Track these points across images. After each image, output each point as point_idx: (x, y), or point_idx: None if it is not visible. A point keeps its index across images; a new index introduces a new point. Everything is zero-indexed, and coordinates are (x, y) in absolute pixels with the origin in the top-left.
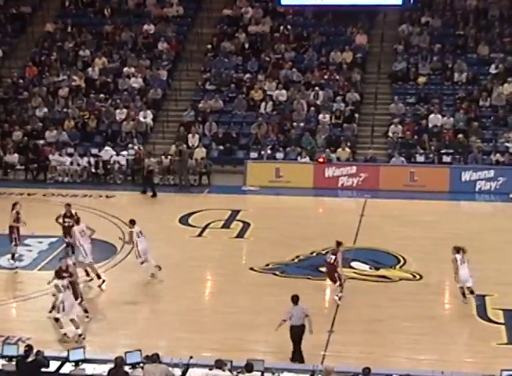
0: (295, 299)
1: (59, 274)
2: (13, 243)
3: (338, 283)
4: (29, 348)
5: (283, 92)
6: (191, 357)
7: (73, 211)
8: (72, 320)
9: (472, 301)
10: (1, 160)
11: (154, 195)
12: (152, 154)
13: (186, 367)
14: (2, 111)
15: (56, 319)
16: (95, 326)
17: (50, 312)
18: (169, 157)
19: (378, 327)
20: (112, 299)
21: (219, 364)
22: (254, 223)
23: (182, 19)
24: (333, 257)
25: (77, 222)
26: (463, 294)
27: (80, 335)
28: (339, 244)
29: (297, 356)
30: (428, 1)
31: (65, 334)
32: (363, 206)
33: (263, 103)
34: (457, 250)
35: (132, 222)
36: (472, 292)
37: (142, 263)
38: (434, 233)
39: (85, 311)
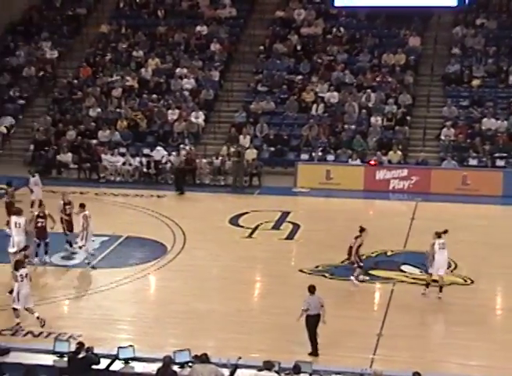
0: (312, 289)
1: (18, 265)
2: None
3: (356, 265)
4: (80, 345)
5: (335, 94)
6: (239, 358)
7: (47, 212)
8: (27, 309)
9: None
10: (55, 159)
11: (182, 193)
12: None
13: (235, 368)
14: (57, 111)
15: (14, 309)
16: (145, 325)
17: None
18: (220, 157)
19: (428, 332)
20: (161, 298)
21: (267, 365)
22: (304, 225)
23: (235, 21)
24: (354, 240)
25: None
26: (427, 285)
27: (38, 318)
28: (362, 229)
29: (313, 346)
30: (484, 2)
31: (18, 324)
32: (414, 209)
33: (314, 105)
34: (438, 235)
35: (83, 206)
36: (441, 288)
37: (81, 247)
38: (486, 238)
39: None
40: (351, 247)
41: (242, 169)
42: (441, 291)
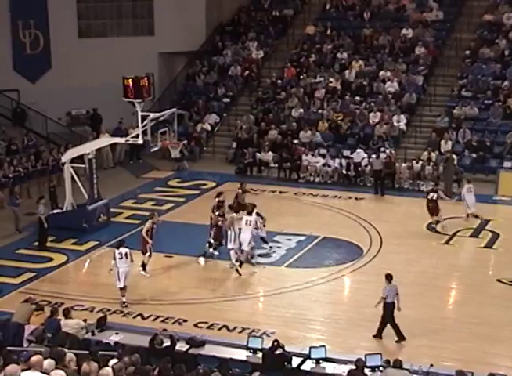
0: (389, 278)
1: (119, 243)
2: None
3: (439, 215)
4: (277, 342)
5: None
6: (431, 365)
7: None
8: (121, 289)
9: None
10: (256, 157)
11: (382, 194)
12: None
13: (426, 375)
14: (260, 110)
15: (120, 289)
16: (337, 326)
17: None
18: (420, 162)
19: None
20: (355, 300)
21: (460, 375)
22: (504, 234)
23: (441, 24)
24: (435, 194)
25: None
26: (468, 215)
27: (124, 303)
28: (437, 184)
29: (398, 331)
30: None
31: (124, 303)
32: None
33: None
34: (468, 181)
35: (231, 207)
36: (476, 216)
37: (230, 249)
38: None
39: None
40: (434, 201)
41: (450, 177)
42: (477, 217)
